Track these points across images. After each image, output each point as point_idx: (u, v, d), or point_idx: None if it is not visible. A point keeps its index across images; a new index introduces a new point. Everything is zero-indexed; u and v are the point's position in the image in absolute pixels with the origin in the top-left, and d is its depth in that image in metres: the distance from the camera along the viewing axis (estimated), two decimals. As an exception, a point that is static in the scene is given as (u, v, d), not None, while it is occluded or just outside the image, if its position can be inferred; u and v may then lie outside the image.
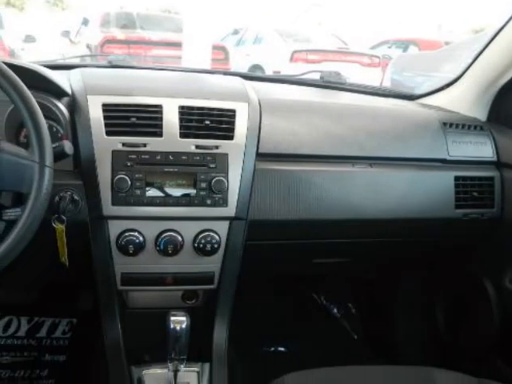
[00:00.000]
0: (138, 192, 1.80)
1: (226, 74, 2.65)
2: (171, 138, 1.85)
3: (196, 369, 2.01)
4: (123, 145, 1.80)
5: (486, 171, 2.30)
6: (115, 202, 1.80)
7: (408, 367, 1.97)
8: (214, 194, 1.85)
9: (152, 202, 1.82)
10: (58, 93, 1.89)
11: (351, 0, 30.46)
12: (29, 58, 12.46)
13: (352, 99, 2.64)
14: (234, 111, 1.96)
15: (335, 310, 3.42)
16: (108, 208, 1.80)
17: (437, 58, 8.05)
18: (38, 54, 13.00)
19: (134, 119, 1.84)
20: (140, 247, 1.87)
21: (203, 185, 1.85)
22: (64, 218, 1.73)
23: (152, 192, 1.82)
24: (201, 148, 1.86)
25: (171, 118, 1.87)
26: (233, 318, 2.18)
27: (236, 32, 15.39)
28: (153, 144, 1.83)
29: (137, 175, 1.79)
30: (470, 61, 2.48)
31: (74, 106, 1.88)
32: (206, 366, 2.05)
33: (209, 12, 8.11)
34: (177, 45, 9.05)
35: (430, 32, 23.78)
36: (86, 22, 12.25)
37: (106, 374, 2.03)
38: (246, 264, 2.05)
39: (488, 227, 2.34)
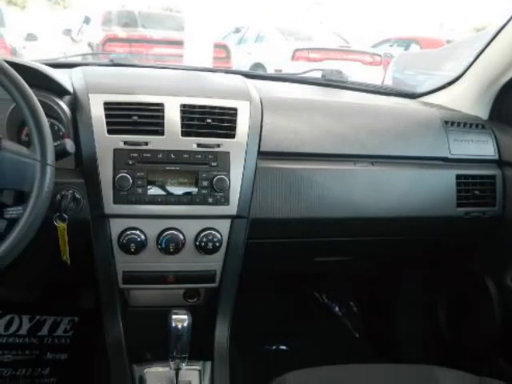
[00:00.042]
0: (139, 190, 1.80)
1: (227, 72, 2.65)
2: (173, 137, 1.85)
3: (198, 367, 2.01)
4: (125, 143, 1.80)
5: (487, 169, 2.30)
6: (117, 200, 1.80)
7: (410, 365, 1.97)
8: (216, 192, 1.85)
9: (153, 200, 1.82)
10: (60, 91, 1.89)
11: (353, -2, 30.47)
12: (30, 56, 12.46)
13: (354, 98, 2.63)
14: (235, 109, 1.96)
15: (337, 309, 3.42)
16: (109, 206, 1.80)
17: (438, 57, 8.06)
18: (40, 53, 13.02)
19: (135, 117, 1.84)
20: (142, 246, 1.87)
21: (205, 183, 1.85)
22: (65, 216, 1.73)
23: (153, 190, 1.82)
24: (202, 146, 1.86)
25: (173, 117, 1.87)
26: (234, 316, 2.18)
27: (238, 30, 15.38)
28: (154, 142, 1.83)
29: (138, 174, 1.80)
30: (471, 59, 2.48)
31: (76, 104, 1.88)
32: (208, 364, 2.05)
33: (210, 10, 8.11)
34: (178, 43, 9.05)
35: (431, 30, 23.74)
36: (87, 21, 12.26)
37: (107, 373, 2.03)
38: (248, 262, 2.06)
39: (489, 225, 2.34)
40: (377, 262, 2.92)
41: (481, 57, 2.42)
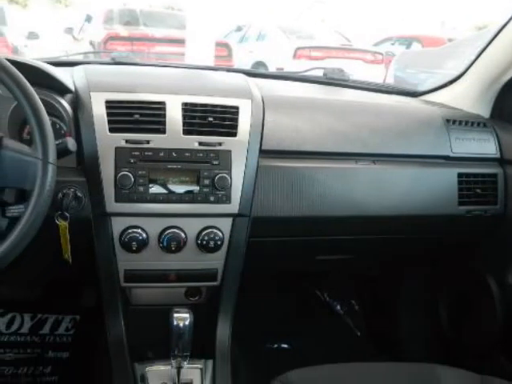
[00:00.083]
0: (141, 189, 1.80)
1: (229, 70, 2.64)
2: (174, 135, 1.85)
3: (199, 365, 2.01)
4: (126, 141, 1.80)
5: (489, 168, 2.30)
6: (118, 198, 1.80)
7: (411, 364, 1.97)
8: (218, 190, 1.85)
9: (155, 198, 1.82)
10: (62, 90, 1.89)
11: (354, -3, 30.45)
12: (32, 54, 12.48)
13: (355, 96, 2.63)
14: (237, 108, 1.96)
15: (338, 307, 3.42)
16: (111, 205, 1.80)
17: (440, 55, 8.06)
18: (41, 51, 12.99)
19: (137, 116, 1.84)
20: (143, 244, 1.87)
21: (206, 181, 1.85)
22: (67, 214, 1.73)
23: (155, 189, 1.82)
24: (204, 145, 1.86)
25: (174, 115, 1.87)
26: (236, 314, 2.18)
27: (239, 29, 15.38)
28: (156, 141, 1.83)
29: (140, 172, 1.80)
30: (473, 58, 2.48)
31: (78, 102, 1.88)
32: (210, 362, 2.05)
33: (212, 9, 8.11)
34: (180, 42, 9.04)
35: (433, 29, 23.73)
36: (89, 19, 12.27)
37: (109, 371, 2.03)
38: (249, 261, 2.05)
39: (491, 224, 2.34)
40: (378, 261, 2.92)
41: (482, 55, 2.42)
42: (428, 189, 2.19)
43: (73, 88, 1.93)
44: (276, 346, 3.12)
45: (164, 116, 1.86)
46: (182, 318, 1.83)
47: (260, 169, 1.95)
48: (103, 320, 2.10)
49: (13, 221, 1.52)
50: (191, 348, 1.88)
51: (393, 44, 15.87)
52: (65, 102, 1.86)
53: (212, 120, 1.90)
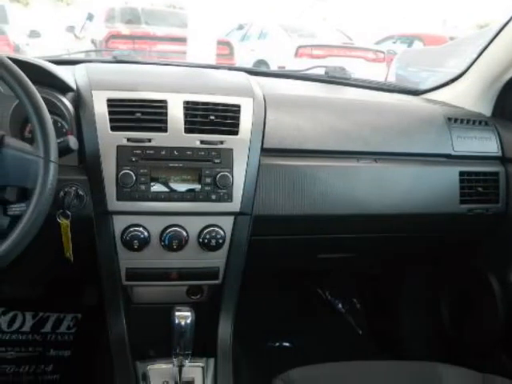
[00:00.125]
0: (142, 187, 1.80)
1: (230, 69, 2.64)
2: (176, 134, 1.85)
3: (201, 364, 2.01)
4: (128, 140, 1.80)
5: (490, 166, 2.30)
6: (120, 197, 1.80)
7: (413, 362, 1.97)
8: (219, 189, 1.85)
9: (157, 197, 1.82)
10: (63, 88, 1.89)
11: (356, -5, 30.43)
12: (34, 53, 12.47)
13: (357, 94, 2.63)
14: (238, 106, 1.96)
15: (340, 306, 3.42)
16: (113, 203, 1.81)
17: (442, 53, 8.04)
18: (43, 50, 12.99)
19: (138, 114, 1.84)
20: (145, 242, 1.87)
21: (208, 180, 1.85)
22: (69, 213, 1.73)
23: (157, 187, 1.82)
24: (205, 143, 1.86)
25: (176, 114, 1.87)
26: (237, 313, 2.18)
27: (241, 27, 15.39)
28: (158, 139, 1.83)
29: (141, 170, 1.80)
30: (474, 56, 2.48)
31: (79, 101, 1.88)
32: (211, 361, 2.05)
33: (213, 7, 8.10)
34: (181, 40, 9.04)
35: (434, 27, 23.72)
36: (90, 17, 12.29)
37: (110, 370, 2.03)
38: (251, 259, 2.06)
39: (493, 222, 2.34)
40: (380, 259, 2.92)
41: (484, 54, 2.42)
42: (430, 187, 2.19)
43: (74, 86, 1.93)
44: (278, 344, 3.12)
45: (166, 114, 1.86)
46: (184, 317, 1.83)
47: (261, 167, 1.95)
48: (105, 318, 2.10)
49: (14, 219, 1.52)
50: (193, 346, 1.87)
51: (394, 42, 15.88)
52: (66, 101, 1.86)
53: (214, 118, 1.90)
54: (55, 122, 1.78)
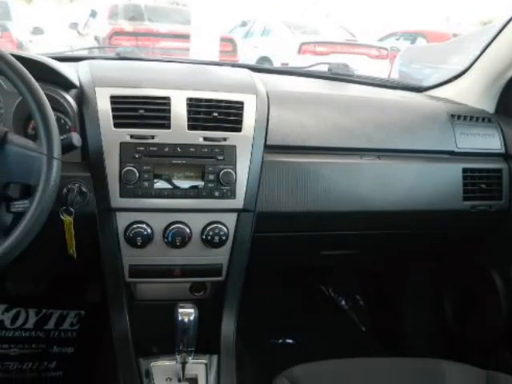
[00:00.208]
0: (146, 184, 1.80)
1: (234, 66, 2.64)
2: (179, 130, 1.85)
3: (204, 361, 2.01)
4: (131, 137, 1.80)
5: (494, 163, 2.30)
6: (123, 193, 1.80)
7: (416, 359, 1.97)
8: (222, 186, 1.85)
9: (160, 194, 1.82)
10: (66, 85, 1.89)
11: (359, -8, 30.39)
12: (37, 50, 12.47)
13: (360, 91, 2.63)
14: (242, 103, 1.96)
15: (343, 302, 3.42)
16: (116, 200, 1.81)
17: (445, 50, 8.04)
18: (46, 46, 13.04)
19: (142, 111, 1.84)
20: (148, 239, 1.87)
21: (211, 177, 1.85)
22: (72, 209, 1.73)
23: (160, 184, 1.82)
24: (209, 140, 1.86)
25: (179, 110, 1.87)
26: (241, 310, 2.18)
27: (244, 24, 15.38)
28: (161, 136, 1.83)
29: (145, 167, 1.80)
30: (478, 53, 2.48)
31: (82, 98, 1.88)
32: (214, 358, 2.05)
33: (217, 4, 8.10)
34: (185, 37, 9.04)
35: (437, 24, 23.70)
36: (93, 14, 12.28)
37: (113, 366, 2.03)
38: (254, 256, 2.06)
39: (496, 219, 2.34)
40: (383, 256, 2.92)
41: (487, 50, 2.42)
42: (433, 184, 2.19)
43: (78, 83, 1.93)
44: (281, 341, 3.12)
45: (169, 111, 1.86)
46: (187, 314, 1.83)
47: (265, 164, 1.95)
48: (108, 315, 2.10)
49: (18, 216, 1.53)
50: (196, 343, 1.88)
51: (397, 39, 15.85)
52: (69, 97, 1.86)
53: (217, 115, 1.90)
54: (58, 119, 1.79)
